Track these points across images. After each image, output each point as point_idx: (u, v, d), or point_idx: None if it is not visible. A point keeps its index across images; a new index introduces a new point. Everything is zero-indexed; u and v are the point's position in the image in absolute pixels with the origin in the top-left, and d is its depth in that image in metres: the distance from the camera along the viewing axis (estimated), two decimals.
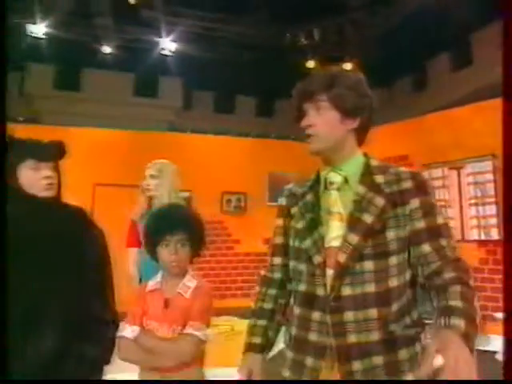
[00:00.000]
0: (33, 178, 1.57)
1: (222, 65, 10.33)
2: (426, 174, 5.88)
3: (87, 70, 10.77)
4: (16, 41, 9.11)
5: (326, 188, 1.25)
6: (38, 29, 8.61)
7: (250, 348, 1.29)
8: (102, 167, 6.68)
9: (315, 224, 1.21)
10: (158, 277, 1.66)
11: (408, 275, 1.16)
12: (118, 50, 9.83)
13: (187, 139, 7.81)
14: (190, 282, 1.60)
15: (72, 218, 1.63)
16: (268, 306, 1.34)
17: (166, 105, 11.10)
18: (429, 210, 1.16)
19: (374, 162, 1.26)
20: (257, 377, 1.23)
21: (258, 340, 1.29)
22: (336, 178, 1.22)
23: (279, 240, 1.35)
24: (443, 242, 1.13)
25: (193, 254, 1.65)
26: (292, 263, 1.27)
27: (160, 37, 9.49)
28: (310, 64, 10.45)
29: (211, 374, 1.91)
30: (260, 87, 11.79)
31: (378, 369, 1.11)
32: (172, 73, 10.54)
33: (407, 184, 1.17)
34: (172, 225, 1.62)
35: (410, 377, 1.10)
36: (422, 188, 1.18)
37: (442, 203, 5.46)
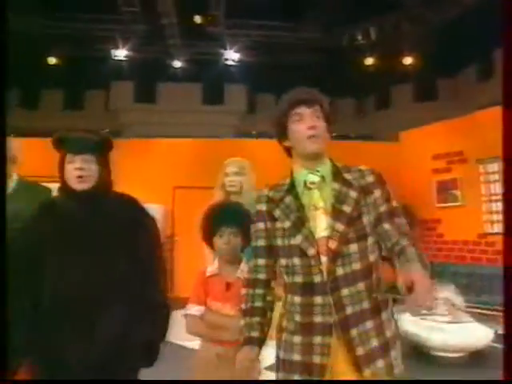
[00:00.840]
0: (68, 171, 1.61)
1: (284, 69, 10.85)
2: (480, 168, 5.95)
3: (161, 84, 11.90)
4: (100, 64, 10.44)
5: (306, 188, 1.39)
6: (120, 53, 9.78)
7: (248, 342, 1.39)
8: (181, 172, 7.47)
9: (302, 221, 1.34)
10: (215, 264, 1.81)
11: (378, 251, 1.38)
12: (187, 64, 10.80)
13: (253, 144, 8.40)
14: (246, 267, 1.68)
15: (124, 207, 1.70)
16: (258, 304, 1.43)
17: (231, 110, 11.86)
18: (387, 197, 1.38)
19: (338, 164, 1.45)
20: (255, 367, 1.37)
21: (255, 334, 1.39)
22: (315, 178, 1.39)
23: (261, 243, 1.43)
24: (398, 221, 1.36)
25: (244, 245, 1.80)
26: (283, 261, 1.39)
27: (224, 49, 10.27)
28: (369, 61, 10.61)
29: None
30: (320, 87, 12.10)
31: (369, 332, 1.30)
32: (236, 80, 11.29)
33: (369, 178, 1.39)
34: (226, 218, 1.78)
35: (388, 333, 1.33)
36: (380, 180, 1.40)
37: (498, 197, 5.50)
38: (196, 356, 1.76)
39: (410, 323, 4.10)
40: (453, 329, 3.80)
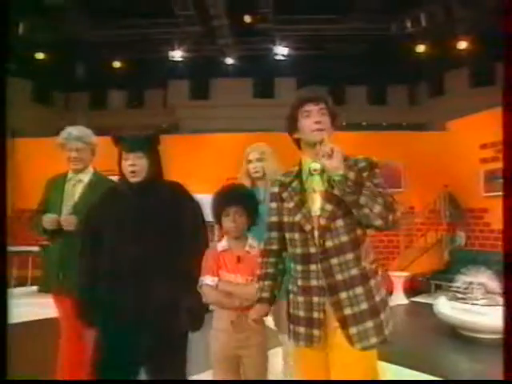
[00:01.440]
0: (124, 167, 1.84)
1: (333, 60, 10.99)
2: None
3: (214, 81, 12.51)
4: (158, 65, 11.21)
5: (310, 174, 1.59)
6: (176, 54, 10.47)
7: (260, 301, 1.67)
8: (234, 164, 7.91)
9: (302, 202, 1.57)
10: (224, 240, 1.95)
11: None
12: (238, 60, 11.27)
13: None
14: (253, 242, 1.93)
15: (171, 193, 1.90)
16: (270, 270, 1.69)
17: (281, 102, 12.18)
18: (373, 176, 1.53)
19: None
20: (264, 319, 1.69)
21: (266, 295, 1.67)
22: (317, 166, 1.56)
23: (274, 219, 1.67)
24: (380, 190, 1.49)
25: (249, 223, 1.93)
26: (288, 235, 1.62)
27: (274, 44, 10.59)
28: (420, 48, 10.44)
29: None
30: (372, 76, 12.08)
31: (359, 296, 1.50)
32: (286, 73, 11.60)
33: (362, 164, 1.56)
34: (231, 199, 1.91)
35: (377, 297, 1.51)
36: (371, 165, 1.56)
37: None
38: (213, 322, 1.91)
39: (446, 306, 4.32)
40: (487, 311, 3.98)
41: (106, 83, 12.82)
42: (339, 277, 1.51)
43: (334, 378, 1.54)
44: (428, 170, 6.99)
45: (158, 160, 1.91)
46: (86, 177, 2.49)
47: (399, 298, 6.17)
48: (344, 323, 1.49)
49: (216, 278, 1.85)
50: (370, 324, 1.49)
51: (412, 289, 6.59)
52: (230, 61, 11.27)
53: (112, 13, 9.35)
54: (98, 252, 1.84)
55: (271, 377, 2.00)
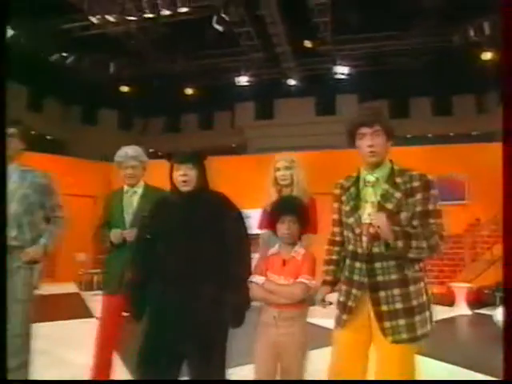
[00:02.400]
0: (175, 177, 1.99)
1: (393, 75, 11.15)
2: None
3: (278, 101, 13.20)
4: (227, 89, 12.13)
5: (364, 185, 1.73)
6: (242, 79, 11.31)
7: (324, 283, 1.91)
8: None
9: (356, 208, 1.72)
10: (276, 246, 2.14)
11: None
12: (300, 81, 11.85)
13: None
14: (299, 249, 2.08)
15: (218, 201, 2.04)
16: (334, 257, 1.91)
17: (343, 119, 12.53)
18: (426, 200, 1.64)
19: (396, 167, 1.73)
20: (328, 298, 1.88)
21: (329, 278, 1.90)
22: (371, 178, 1.70)
23: (336, 216, 1.86)
24: (432, 221, 1.64)
25: (301, 231, 2.12)
26: (345, 232, 1.81)
27: (334, 64, 11.03)
28: (486, 56, 10.27)
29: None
30: (436, 88, 11.99)
31: (396, 297, 1.65)
32: (346, 91, 11.94)
33: (416, 183, 1.65)
34: (286, 209, 2.11)
35: (414, 302, 1.64)
36: (425, 186, 1.64)
37: None
38: (260, 317, 2.08)
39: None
40: None
41: (180, 109, 14.04)
42: (380, 278, 1.67)
43: (372, 366, 1.72)
44: (493, 180, 6.90)
45: (204, 172, 2.06)
46: (139, 189, 2.74)
47: (462, 309, 6.22)
48: (380, 317, 1.66)
49: (263, 278, 2.03)
50: (402, 322, 1.63)
51: (477, 301, 6.58)
52: (292, 82, 11.87)
53: (185, 47, 10.42)
54: (150, 254, 1.99)
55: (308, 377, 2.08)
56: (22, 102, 11.61)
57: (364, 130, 1.68)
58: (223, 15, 7.81)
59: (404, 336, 1.62)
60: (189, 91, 12.36)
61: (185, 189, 1.98)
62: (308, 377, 2.03)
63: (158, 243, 1.98)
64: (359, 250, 1.72)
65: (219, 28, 8.00)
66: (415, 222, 1.65)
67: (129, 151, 2.75)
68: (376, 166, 1.71)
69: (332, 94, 12.47)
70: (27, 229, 2.33)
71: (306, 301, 2.04)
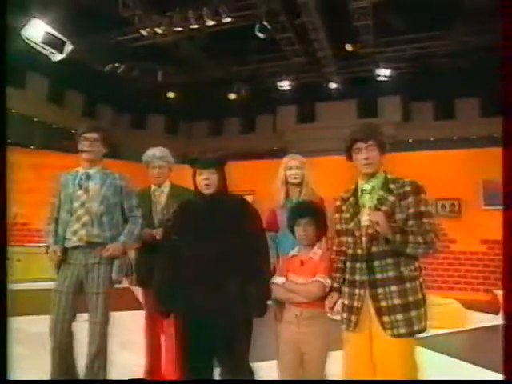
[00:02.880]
0: (198, 181, 2.13)
1: (439, 75, 10.94)
2: None
3: (319, 104, 13.29)
4: (268, 93, 12.39)
5: (362, 193, 1.92)
6: (284, 83, 11.54)
7: (332, 289, 2.04)
8: (339, 183, 8.44)
9: (355, 214, 1.90)
10: (296, 248, 2.24)
11: None
12: (341, 84, 11.90)
13: (408, 156, 8.87)
14: (317, 250, 2.18)
15: (236, 203, 2.19)
16: (341, 266, 2.05)
17: (385, 122, 12.41)
18: (417, 203, 1.80)
19: (389, 176, 1.92)
20: (335, 300, 2.01)
21: (336, 285, 2.04)
22: (367, 187, 1.89)
23: (339, 226, 2.03)
24: (425, 221, 1.79)
25: (318, 233, 2.21)
26: (344, 238, 1.97)
27: (376, 66, 10.99)
28: None
29: None
30: (482, 88, 11.61)
31: (393, 293, 1.78)
32: (389, 92, 11.84)
33: (407, 188, 1.84)
34: (303, 212, 2.21)
35: (410, 298, 1.78)
36: (416, 190, 1.82)
37: None
38: (282, 315, 2.17)
39: None
40: None
41: (223, 113, 14.47)
42: (378, 276, 1.83)
43: (375, 361, 1.82)
44: None
45: (224, 176, 2.19)
46: (166, 189, 2.90)
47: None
48: (379, 312, 1.81)
49: (283, 279, 2.16)
50: (400, 317, 1.77)
51: None
52: (333, 85, 11.93)
53: (228, 54, 10.79)
54: (176, 254, 2.11)
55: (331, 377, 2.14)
56: (79, 109, 12.46)
57: (359, 144, 1.89)
58: (265, 23, 8.08)
59: (402, 330, 1.76)
60: (232, 96, 12.74)
61: (207, 191, 2.12)
62: (330, 376, 2.08)
63: (182, 243, 2.11)
64: (359, 251, 1.89)
65: (261, 35, 8.27)
66: (410, 222, 1.82)
67: (156, 152, 2.87)
68: (371, 176, 1.91)
69: (374, 96, 12.39)
70: (107, 227, 2.55)
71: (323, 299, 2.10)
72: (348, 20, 8.70)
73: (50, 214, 2.61)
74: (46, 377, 2.43)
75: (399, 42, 10.44)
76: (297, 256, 2.22)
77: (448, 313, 5.14)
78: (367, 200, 1.90)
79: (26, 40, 7.45)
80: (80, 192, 2.55)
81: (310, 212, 2.22)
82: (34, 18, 7.38)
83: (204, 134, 15.23)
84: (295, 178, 2.68)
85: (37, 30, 7.41)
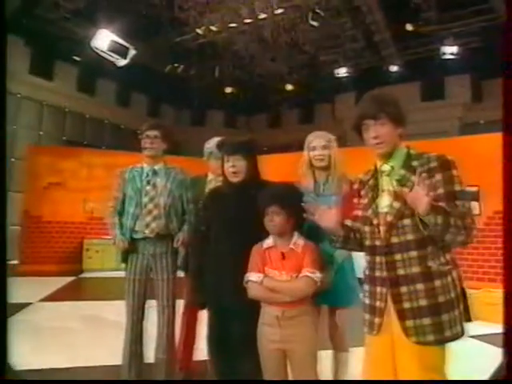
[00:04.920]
0: (226, 168, 2.05)
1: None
2: None
3: (379, 89, 12.77)
4: (325, 81, 12.16)
5: (381, 175, 1.65)
6: (341, 70, 11.26)
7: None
8: None
9: (374, 199, 1.64)
10: (271, 238, 1.95)
11: None
12: (402, 67, 11.35)
13: (476, 139, 8.28)
14: (299, 240, 1.92)
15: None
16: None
17: (454, 103, 11.66)
18: (448, 181, 1.49)
19: (413, 151, 1.63)
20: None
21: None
22: (386, 168, 1.62)
23: (357, 213, 1.77)
24: (458, 203, 1.47)
25: (291, 223, 1.90)
26: (361, 227, 1.70)
27: (441, 44, 10.33)
28: None
29: None
30: None
31: (419, 293, 1.48)
32: (456, 72, 11.08)
33: (433, 163, 1.53)
34: (268, 199, 1.91)
35: (441, 298, 1.47)
36: (444, 165, 1.52)
37: None
38: (260, 317, 1.93)
39: None
40: None
41: (281, 104, 14.45)
42: (401, 271, 1.54)
43: (398, 370, 1.54)
44: None
45: (255, 162, 2.06)
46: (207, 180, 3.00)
47: None
48: (402, 315, 1.52)
49: (261, 275, 1.87)
50: (427, 321, 1.48)
51: None
52: (394, 68, 11.42)
53: (282, 45, 10.73)
54: (206, 244, 2.07)
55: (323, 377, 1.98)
56: (143, 110, 13.17)
57: (367, 121, 1.61)
58: (318, 11, 7.93)
59: (430, 338, 1.47)
60: (289, 87, 12.68)
61: (235, 180, 2.00)
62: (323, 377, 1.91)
63: (211, 233, 2.05)
64: (377, 243, 1.61)
65: (315, 24, 8.14)
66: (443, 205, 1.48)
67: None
68: (390, 154, 1.62)
69: (440, 76, 11.66)
70: (173, 219, 2.72)
71: (310, 297, 1.88)
72: None
73: (114, 207, 2.77)
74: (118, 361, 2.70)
75: (465, 16, 9.72)
76: (274, 247, 1.93)
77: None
78: (387, 183, 1.63)
79: (94, 50, 8.08)
80: (149, 187, 2.71)
81: (276, 198, 1.90)
82: (101, 28, 7.91)
83: (263, 127, 15.34)
84: (321, 159, 2.31)
85: (103, 40, 8.05)
